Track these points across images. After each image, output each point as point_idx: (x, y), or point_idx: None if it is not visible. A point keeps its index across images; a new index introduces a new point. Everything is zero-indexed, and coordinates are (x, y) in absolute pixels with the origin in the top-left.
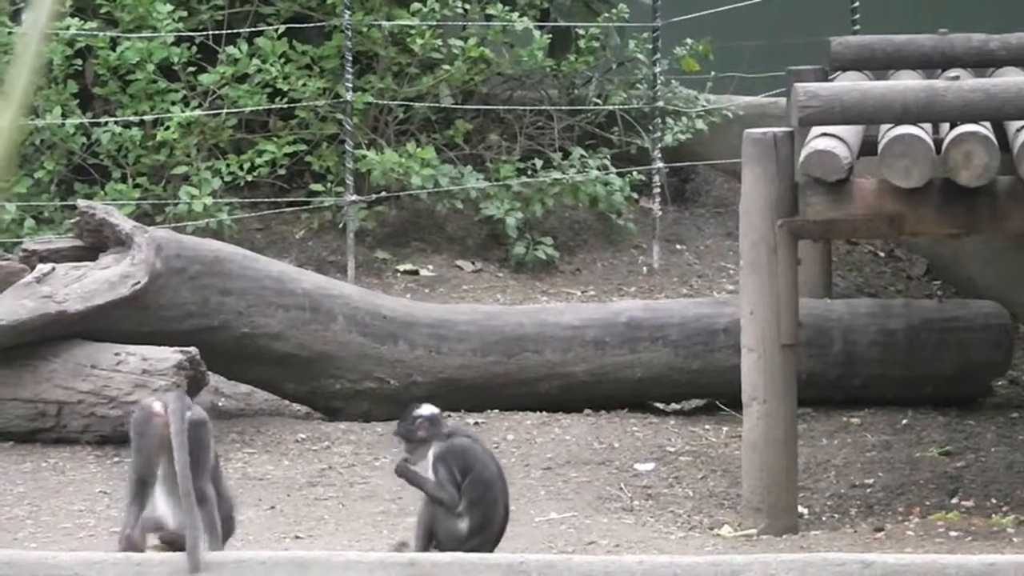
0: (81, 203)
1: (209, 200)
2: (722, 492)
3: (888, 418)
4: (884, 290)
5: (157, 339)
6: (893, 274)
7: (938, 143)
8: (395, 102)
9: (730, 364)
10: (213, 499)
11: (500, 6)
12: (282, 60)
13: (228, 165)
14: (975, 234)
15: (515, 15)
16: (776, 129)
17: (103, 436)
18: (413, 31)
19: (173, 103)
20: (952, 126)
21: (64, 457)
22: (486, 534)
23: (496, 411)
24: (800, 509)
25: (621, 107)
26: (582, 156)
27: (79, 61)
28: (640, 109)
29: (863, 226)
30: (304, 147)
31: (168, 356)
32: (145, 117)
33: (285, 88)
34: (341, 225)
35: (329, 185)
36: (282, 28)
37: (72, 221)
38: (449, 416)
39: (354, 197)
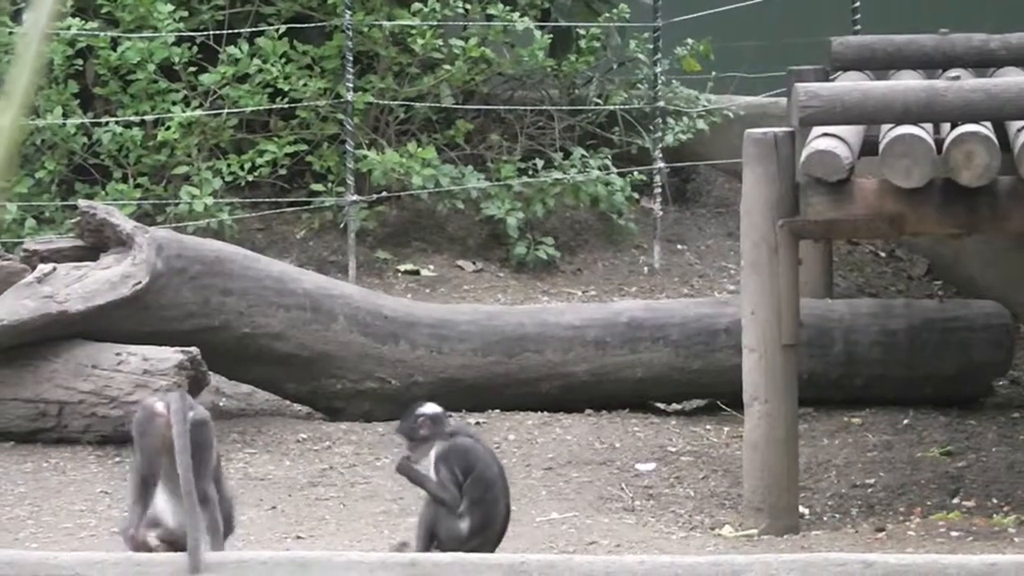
0: (82, 203)
1: (210, 200)
2: (723, 492)
3: (889, 418)
4: (885, 290)
5: (158, 339)
6: (894, 274)
7: (939, 143)
8: (396, 102)
9: (731, 364)
10: (215, 499)
11: (501, 6)
12: (283, 60)
13: (229, 165)
14: (976, 234)
15: (516, 15)
16: (777, 129)
17: (104, 436)
18: (414, 31)
19: (174, 103)
20: (953, 126)
21: (65, 457)
22: (487, 534)
23: (497, 411)
24: (801, 509)
25: (622, 107)
26: (583, 156)
27: (80, 61)
28: (641, 109)
29: (864, 226)
30: (305, 147)
31: (169, 356)
32: (146, 117)
33: (286, 88)
34: (342, 225)
35: (330, 185)
36: (283, 28)
37: (73, 221)
38: (451, 416)
39: (355, 197)
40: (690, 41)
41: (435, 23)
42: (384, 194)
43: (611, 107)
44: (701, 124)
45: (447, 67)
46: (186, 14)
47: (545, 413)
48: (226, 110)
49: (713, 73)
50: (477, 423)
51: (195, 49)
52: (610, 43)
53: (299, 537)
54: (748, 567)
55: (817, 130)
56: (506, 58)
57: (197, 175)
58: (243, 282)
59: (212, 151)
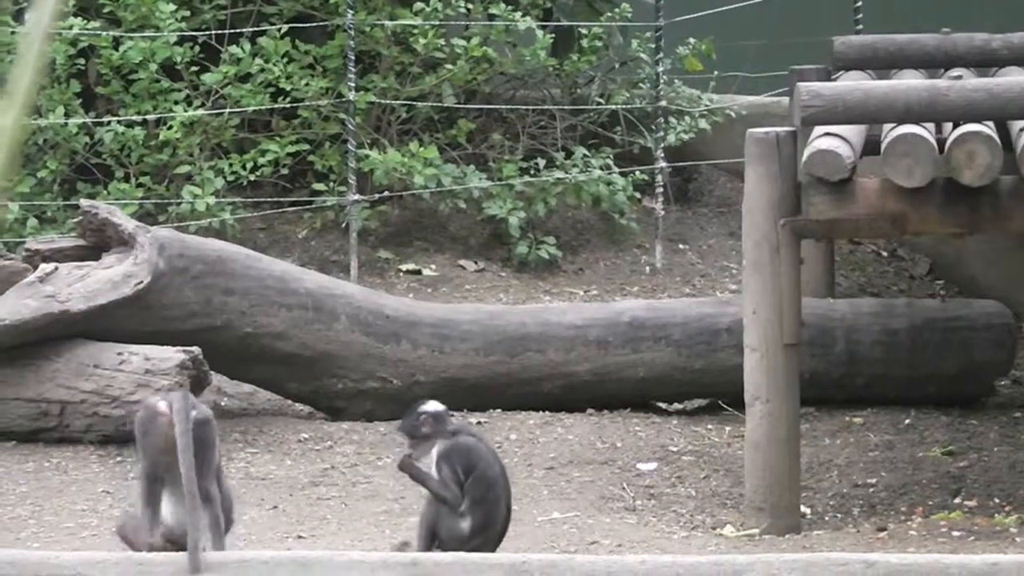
0: (84, 203)
1: (212, 200)
2: (725, 492)
3: (891, 418)
4: (887, 289)
5: (160, 339)
6: (896, 273)
7: (941, 143)
8: (398, 102)
9: (733, 364)
10: (217, 498)
11: (503, 6)
12: (285, 60)
13: (231, 165)
14: (978, 234)
15: (518, 15)
16: (779, 129)
17: (106, 436)
18: (416, 31)
19: (176, 103)
20: (955, 126)
21: (67, 457)
22: (488, 534)
23: (499, 411)
24: (803, 509)
25: (624, 107)
26: (585, 156)
27: (82, 61)
28: (643, 108)
29: (866, 225)
30: (307, 147)
31: (171, 356)
32: (148, 117)
33: (288, 88)
34: (344, 225)
35: (332, 185)
36: (285, 28)
37: (75, 221)
38: (453, 415)
39: (357, 197)
40: (692, 40)
41: (437, 23)
42: (386, 194)
43: (613, 107)
44: (703, 123)
45: (449, 67)
46: (188, 14)
47: (547, 413)
48: (228, 110)
49: (715, 72)
50: (479, 423)
51: (197, 49)
52: (612, 43)
53: (300, 537)
54: (750, 567)
55: (819, 129)
56: (508, 58)
57: (199, 175)
58: (245, 282)
59: (214, 151)
